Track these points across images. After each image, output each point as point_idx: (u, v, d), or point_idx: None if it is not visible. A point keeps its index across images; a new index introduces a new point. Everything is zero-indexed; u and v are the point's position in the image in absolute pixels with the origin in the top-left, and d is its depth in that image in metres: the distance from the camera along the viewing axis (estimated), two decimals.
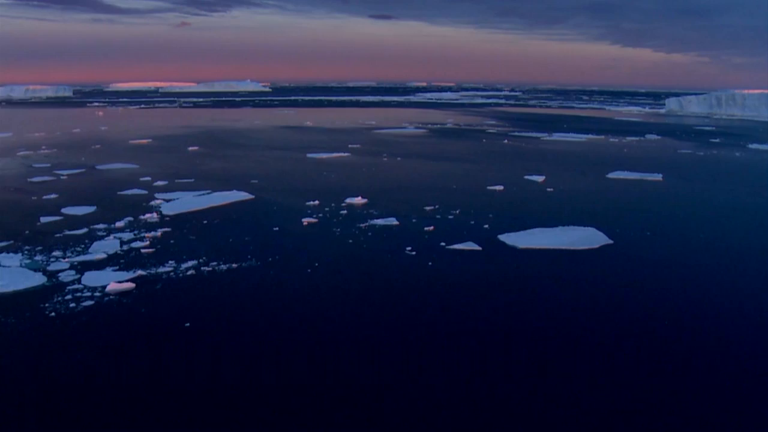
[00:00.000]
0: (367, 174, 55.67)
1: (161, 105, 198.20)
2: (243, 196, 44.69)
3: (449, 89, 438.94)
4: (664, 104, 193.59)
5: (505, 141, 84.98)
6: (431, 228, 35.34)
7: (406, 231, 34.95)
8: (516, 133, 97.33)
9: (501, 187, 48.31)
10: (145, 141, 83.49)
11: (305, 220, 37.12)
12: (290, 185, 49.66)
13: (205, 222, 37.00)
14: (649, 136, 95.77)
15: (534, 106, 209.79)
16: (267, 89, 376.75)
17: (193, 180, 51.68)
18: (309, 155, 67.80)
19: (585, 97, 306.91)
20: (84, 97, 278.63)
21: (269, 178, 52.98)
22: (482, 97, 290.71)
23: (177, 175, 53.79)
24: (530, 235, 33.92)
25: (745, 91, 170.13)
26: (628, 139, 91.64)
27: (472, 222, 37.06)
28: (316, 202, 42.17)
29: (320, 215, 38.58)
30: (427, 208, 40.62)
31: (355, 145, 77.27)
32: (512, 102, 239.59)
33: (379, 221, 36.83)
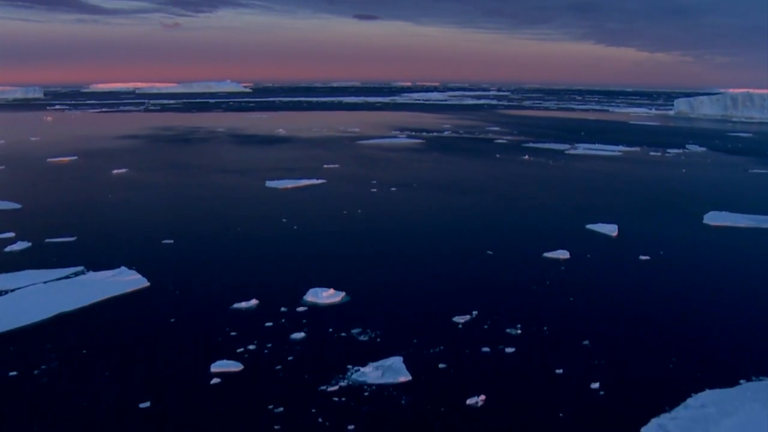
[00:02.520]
0: (346, 226, 36.00)
1: (126, 108, 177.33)
2: (131, 283, 25.06)
3: (435, 89, 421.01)
4: (672, 105, 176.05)
5: (525, 157, 65.79)
6: (481, 400, 16.03)
7: (430, 412, 15.61)
8: (531, 144, 78.25)
9: (565, 255, 28.99)
10: (67, 159, 63.59)
11: (215, 371, 17.60)
12: (219, 257, 29.85)
13: (12, 375, 17.39)
14: (691, 148, 77.19)
15: (530, 107, 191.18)
16: (247, 90, 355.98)
17: (74, 239, 31.94)
18: (268, 184, 48.13)
19: (578, 98, 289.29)
20: (53, 98, 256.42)
21: (193, 235, 33.24)
22: (471, 97, 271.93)
23: (57, 229, 33.97)
24: (711, 428, 14.73)
25: (764, 91, 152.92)
26: (671, 152, 72.92)
27: (560, 370, 17.74)
28: (253, 301, 22.70)
29: (252, 347, 19.10)
30: (458, 319, 21.28)
31: (333, 166, 57.77)
32: (505, 103, 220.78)
33: (369, 372, 17.43)
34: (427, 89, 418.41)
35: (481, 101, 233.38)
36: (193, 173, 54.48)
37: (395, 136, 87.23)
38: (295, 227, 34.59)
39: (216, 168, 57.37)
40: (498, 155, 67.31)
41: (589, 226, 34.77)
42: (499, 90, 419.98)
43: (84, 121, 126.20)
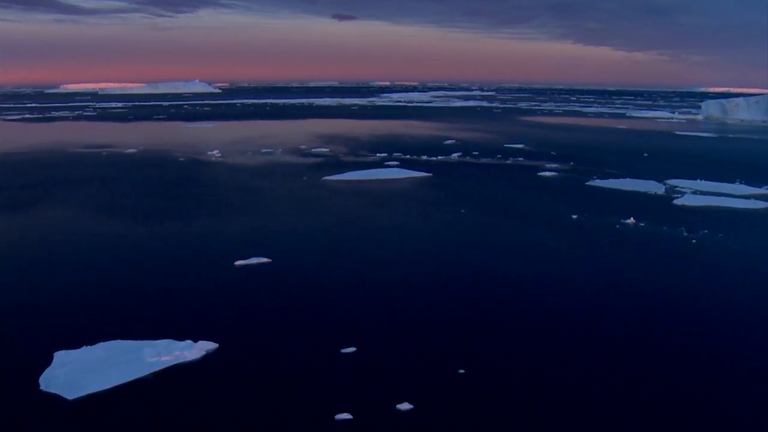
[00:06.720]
0: None
1: (59, 113, 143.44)
2: None
3: (415, 89, 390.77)
4: (694, 107, 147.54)
5: (630, 221, 34.69)
6: None
7: None
8: (598, 182, 47.81)
9: None
10: None
11: None
12: None
13: None
14: None
15: (531, 111, 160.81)
16: (216, 91, 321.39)
17: None
18: (72, 393, 16.61)
19: (572, 98, 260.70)
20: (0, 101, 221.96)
21: None
22: (457, 98, 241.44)
23: None
24: None
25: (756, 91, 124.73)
26: None
27: None
28: None
29: None
30: None
31: (261, 262, 26.43)
32: (497, 105, 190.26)
33: None
34: (407, 89, 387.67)
35: (470, 102, 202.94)
36: None
37: (382, 165, 56.05)
38: None
39: (23, 276, 25.63)
40: (574, 215, 36.21)
41: None
42: (481, 89, 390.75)
43: None
